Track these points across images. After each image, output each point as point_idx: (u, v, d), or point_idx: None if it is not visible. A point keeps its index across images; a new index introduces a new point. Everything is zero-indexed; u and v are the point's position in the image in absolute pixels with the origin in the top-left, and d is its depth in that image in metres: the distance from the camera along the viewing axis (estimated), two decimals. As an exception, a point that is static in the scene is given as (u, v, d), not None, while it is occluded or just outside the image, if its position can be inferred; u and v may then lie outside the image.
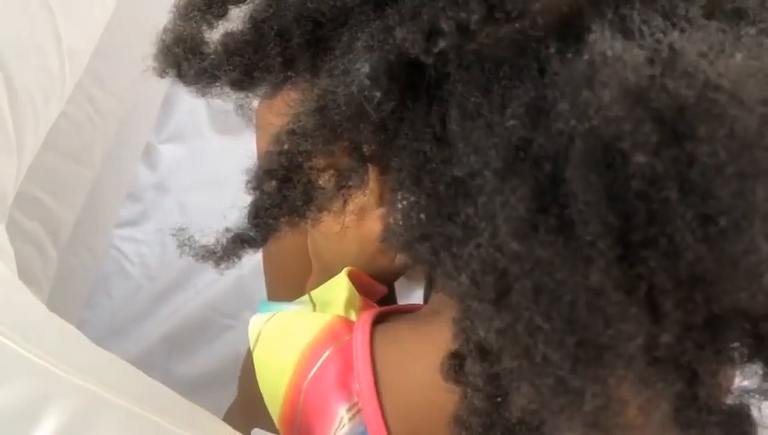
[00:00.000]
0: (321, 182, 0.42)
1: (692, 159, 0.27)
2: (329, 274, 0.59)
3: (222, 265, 0.45)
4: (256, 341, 0.54)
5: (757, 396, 0.36)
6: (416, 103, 0.37)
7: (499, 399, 0.37)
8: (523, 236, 0.30)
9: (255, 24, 0.40)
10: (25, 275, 0.76)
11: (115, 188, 1.07)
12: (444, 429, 0.44)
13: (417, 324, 0.51)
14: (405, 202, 0.37)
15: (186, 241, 0.45)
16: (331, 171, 0.42)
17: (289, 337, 0.53)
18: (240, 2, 0.43)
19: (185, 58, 0.43)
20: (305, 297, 0.57)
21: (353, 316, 0.53)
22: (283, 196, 0.42)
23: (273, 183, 0.42)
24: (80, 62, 0.72)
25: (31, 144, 0.66)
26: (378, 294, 0.60)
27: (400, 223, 0.37)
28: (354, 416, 0.48)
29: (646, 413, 0.30)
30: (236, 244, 0.44)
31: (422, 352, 0.41)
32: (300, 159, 0.41)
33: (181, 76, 0.43)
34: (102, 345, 1.01)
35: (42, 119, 0.68)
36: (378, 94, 0.35)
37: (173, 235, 0.46)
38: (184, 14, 0.43)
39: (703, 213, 0.27)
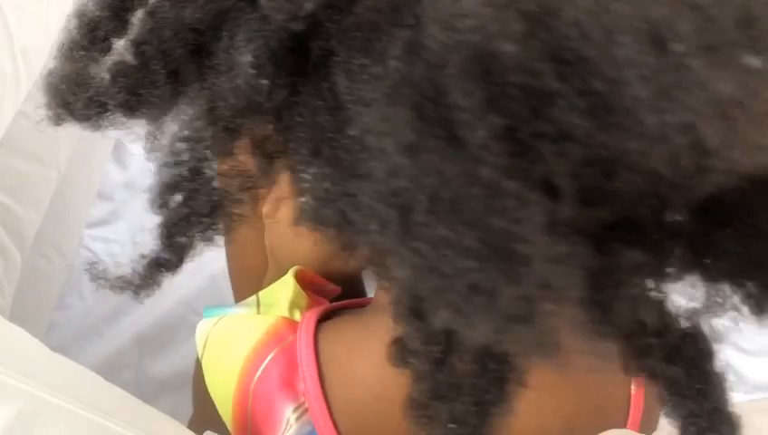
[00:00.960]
0: (225, 187, 0.41)
1: (560, 38, 0.27)
2: (283, 272, 0.58)
3: (143, 295, 0.44)
4: (204, 347, 0.53)
5: (705, 313, 0.37)
6: (306, 86, 0.37)
7: (442, 356, 0.37)
8: (411, 150, 0.30)
9: (137, 46, 0.40)
10: (-14, 278, 0.76)
11: (84, 188, 1.07)
12: (392, 423, 0.43)
13: (362, 319, 0.50)
14: (310, 177, 0.37)
15: (100, 274, 0.44)
16: (235, 174, 0.41)
17: (234, 341, 0.52)
18: (121, 34, 0.42)
19: (71, 93, 0.41)
20: (252, 298, 0.56)
21: (297, 316, 0.52)
22: (190, 209, 0.41)
23: (178, 197, 0.41)
24: (36, 60, 0.71)
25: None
26: (330, 293, 0.59)
27: (310, 200, 0.37)
28: (301, 416, 0.47)
29: (562, 300, 0.29)
30: (153, 269, 0.44)
31: (367, 348, 0.41)
32: (200, 167, 0.40)
33: (71, 113, 0.42)
34: (75, 347, 1.01)
35: (-2, 119, 0.67)
36: (265, 82, 0.36)
37: (86, 270, 0.45)
38: (69, 56, 0.42)
39: (582, 88, 0.27)
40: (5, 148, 0.74)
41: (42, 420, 0.43)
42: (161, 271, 0.44)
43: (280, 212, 0.54)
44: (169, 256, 0.44)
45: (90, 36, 0.42)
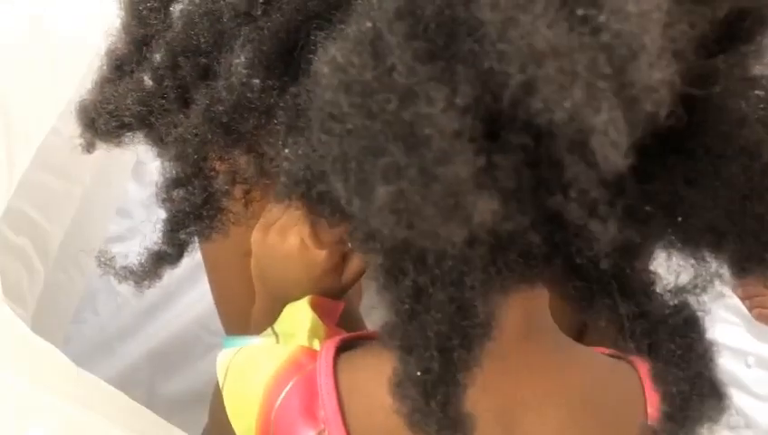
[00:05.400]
0: (222, 186, 0.45)
1: None
2: (273, 296, 0.59)
3: (145, 284, 0.46)
4: (225, 376, 0.54)
5: (696, 290, 0.40)
6: (295, 87, 0.41)
7: (412, 310, 0.39)
8: (339, 68, 0.33)
9: (155, 71, 0.45)
10: (11, 291, 0.76)
11: (105, 204, 1.07)
12: None
13: (380, 349, 0.51)
14: (288, 151, 0.39)
15: (106, 262, 0.46)
16: (231, 173, 0.45)
17: (255, 370, 0.53)
18: (144, 66, 0.46)
19: (96, 112, 0.46)
20: (268, 330, 0.56)
21: (317, 345, 0.53)
22: (190, 205, 0.44)
23: (180, 192, 0.44)
24: (72, 76, 0.73)
25: (20, 160, 0.66)
26: (337, 310, 0.60)
27: (290, 170, 0.39)
28: None
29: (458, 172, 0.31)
30: (155, 261, 0.46)
31: (385, 376, 0.41)
32: (200, 164, 0.44)
33: (95, 131, 0.47)
34: (88, 362, 1.01)
35: (33, 135, 0.68)
36: (256, 82, 0.40)
37: (95, 257, 0.47)
38: (100, 90, 0.47)
39: (478, 17, 0.31)
40: (36, 162, 0.75)
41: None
42: (162, 264, 0.47)
43: (269, 237, 0.56)
44: (170, 250, 0.47)
45: (117, 71, 0.47)
